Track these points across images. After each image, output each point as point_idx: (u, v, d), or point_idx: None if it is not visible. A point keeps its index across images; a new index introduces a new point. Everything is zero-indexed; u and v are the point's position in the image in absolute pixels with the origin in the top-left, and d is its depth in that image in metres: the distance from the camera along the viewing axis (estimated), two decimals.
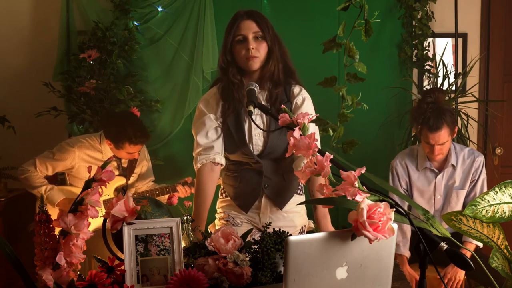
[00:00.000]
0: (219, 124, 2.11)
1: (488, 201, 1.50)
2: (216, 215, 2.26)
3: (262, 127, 2.08)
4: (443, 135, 2.65)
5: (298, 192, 2.21)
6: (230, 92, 2.08)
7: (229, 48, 2.06)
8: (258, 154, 2.10)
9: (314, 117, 1.54)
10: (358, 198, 1.26)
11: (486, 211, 1.49)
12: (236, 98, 2.07)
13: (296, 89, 2.14)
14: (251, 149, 2.09)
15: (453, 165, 2.79)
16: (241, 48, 2.03)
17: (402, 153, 2.93)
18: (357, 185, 1.27)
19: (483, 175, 2.81)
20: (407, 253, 2.79)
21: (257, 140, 2.09)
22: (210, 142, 2.09)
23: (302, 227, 2.24)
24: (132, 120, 2.99)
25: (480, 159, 2.80)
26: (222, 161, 2.11)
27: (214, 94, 2.14)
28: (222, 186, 2.25)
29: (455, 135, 2.76)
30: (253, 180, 2.12)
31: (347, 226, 1.28)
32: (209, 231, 1.76)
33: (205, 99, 2.15)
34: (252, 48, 2.01)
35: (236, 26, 2.04)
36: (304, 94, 2.14)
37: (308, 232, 2.32)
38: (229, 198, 2.20)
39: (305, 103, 2.12)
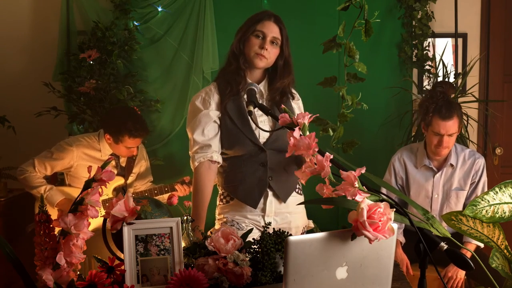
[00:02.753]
0: (217, 119, 2.10)
1: (488, 201, 1.50)
2: (216, 221, 2.22)
3: (265, 124, 2.11)
4: (453, 125, 2.67)
5: (299, 192, 2.21)
6: (234, 76, 2.10)
7: (244, 37, 2.09)
8: (264, 142, 2.10)
9: (313, 117, 1.54)
10: (358, 198, 1.27)
11: (486, 211, 1.49)
12: (237, 83, 2.10)
13: (295, 93, 2.26)
14: (257, 135, 2.10)
15: (452, 165, 2.79)
16: (256, 43, 2.07)
17: (402, 150, 2.94)
18: (357, 185, 1.27)
19: (484, 178, 2.81)
20: (401, 238, 2.82)
21: (263, 127, 2.10)
22: (207, 140, 2.08)
23: (303, 228, 2.25)
24: (132, 114, 3.02)
25: (481, 161, 2.80)
26: (219, 159, 2.11)
27: (210, 90, 2.14)
28: (221, 191, 2.21)
29: (459, 132, 2.77)
30: (258, 173, 2.10)
31: (347, 226, 1.28)
32: (210, 233, 1.76)
33: (199, 96, 2.14)
34: (266, 49, 2.05)
35: (261, 22, 2.08)
36: (300, 99, 2.27)
37: (308, 232, 2.32)
38: (230, 203, 2.16)
39: (300, 103, 2.25)
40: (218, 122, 2.11)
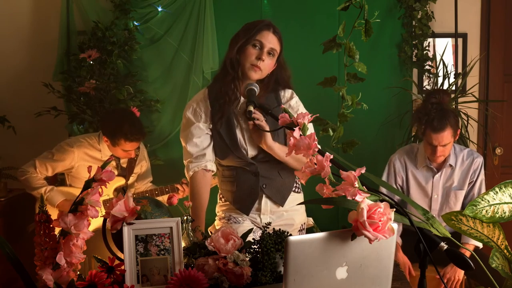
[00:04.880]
0: (209, 131, 2.11)
1: (488, 201, 1.50)
2: (216, 217, 2.26)
3: (250, 143, 2.09)
4: (446, 136, 2.66)
5: (297, 190, 2.22)
6: (229, 87, 2.06)
7: (242, 47, 2.03)
8: (252, 157, 2.10)
9: (313, 117, 1.54)
10: (358, 198, 1.26)
11: (486, 211, 1.49)
12: (230, 96, 2.06)
13: (287, 93, 2.17)
14: (245, 152, 2.09)
15: (451, 166, 2.79)
16: (253, 53, 2.01)
17: (402, 150, 2.93)
18: (357, 185, 1.27)
19: (481, 176, 2.81)
20: (399, 240, 2.82)
21: (251, 143, 2.10)
22: (200, 151, 2.10)
23: (301, 224, 2.26)
24: (129, 117, 2.99)
25: (479, 160, 2.81)
26: (213, 168, 2.13)
27: (201, 100, 2.13)
28: (220, 192, 2.25)
29: (457, 137, 2.76)
30: (250, 182, 2.12)
31: (347, 226, 1.28)
32: (210, 232, 1.77)
33: (191, 106, 2.14)
34: (263, 60, 2.01)
35: (260, 32, 2.02)
36: (296, 97, 2.17)
37: (307, 231, 2.33)
38: (228, 202, 2.20)
39: (300, 106, 2.16)
40: (210, 133, 2.12)
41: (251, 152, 2.10)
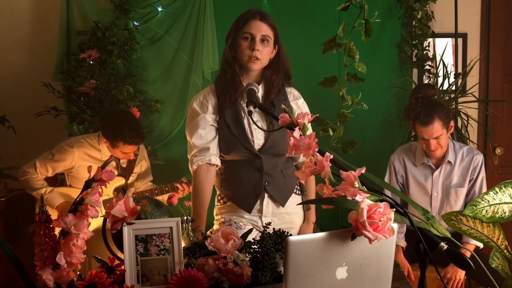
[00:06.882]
0: (215, 123, 2.09)
1: (488, 201, 1.50)
2: (215, 222, 2.23)
3: (261, 126, 2.08)
4: (436, 128, 2.66)
5: (298, 192, 2.21)
6: (231, 84, 2.07)
7: (235, 43, 2.05)
8: (259, 148, 2.09)
9: (313, 117, 1.54)
10: (358, 198, 1.26)
11: (486, 211, 1.49)
12: (235, 90, 2.06)
13: (294, 91, 2.19)
14: (252, 143, 2.08)
15: (450, 162, 2.79)
16: (246, 46, 2.02)
17: (401, 148, 2.95)
18: (357, 185, 1.27)
19: (482, 174, 2.81)
20: (402, 243, 2.81)
21: (258, 134, 2.09)
22: (205, 143, 2.07)
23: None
24: (129, 120, 2.99)
25: (479, 157, 2.81)
26: (218, 162, 2.10)
27: (208, 93, 2.12)
28: (218, 192, 2.22)
29: (451, 129, 2.76)
30: (254, 178, 2.10)
31: (347, 226, 1.28)
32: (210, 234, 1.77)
33: (197, 98, 2.13)
34: (257, 50, 2.01)
35: (247, 23, 2.03)
36: (301, 98, 2.19)
37: None
38: (228, 204, 2.17)
39: (305, 108, 2.17)
40: (216, 126, 2.10)
41: (258, 141, 2.09)
